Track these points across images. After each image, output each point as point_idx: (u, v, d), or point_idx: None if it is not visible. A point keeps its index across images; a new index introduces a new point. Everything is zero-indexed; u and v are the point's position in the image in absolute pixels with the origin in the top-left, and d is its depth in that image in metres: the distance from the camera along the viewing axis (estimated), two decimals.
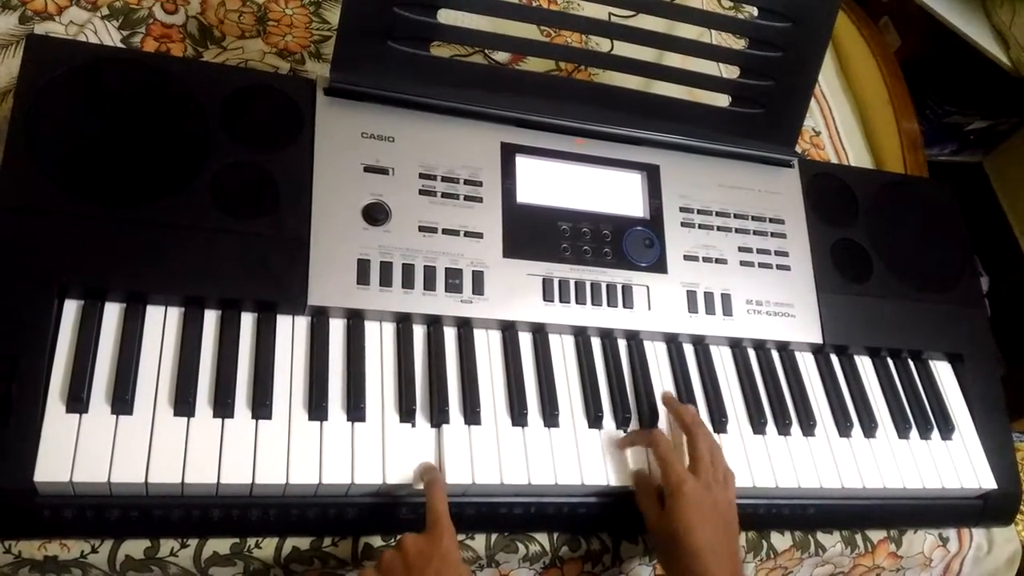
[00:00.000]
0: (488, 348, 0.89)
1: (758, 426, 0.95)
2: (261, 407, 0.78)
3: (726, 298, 0.98)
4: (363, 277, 0.85)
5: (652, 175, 1.00)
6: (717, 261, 0.99)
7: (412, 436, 0.82)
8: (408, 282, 0.86)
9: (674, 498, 0.81)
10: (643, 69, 0.99)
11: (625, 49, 0.98)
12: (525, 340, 0.91)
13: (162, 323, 0.79)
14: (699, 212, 1.01)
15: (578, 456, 0.86)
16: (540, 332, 0.92)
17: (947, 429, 1.03)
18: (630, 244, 0.96)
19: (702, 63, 1.02)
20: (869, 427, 0.99)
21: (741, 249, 1.01)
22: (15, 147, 0.78)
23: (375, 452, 0.79)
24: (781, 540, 0.98)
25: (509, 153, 0.94)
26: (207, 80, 0.86)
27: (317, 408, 0.79)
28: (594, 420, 0.88)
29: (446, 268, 0.88)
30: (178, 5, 1.05)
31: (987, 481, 1.01)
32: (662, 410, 0.92)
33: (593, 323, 0.92)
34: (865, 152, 1.40)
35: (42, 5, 0.99)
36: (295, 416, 0.79)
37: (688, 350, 0.97)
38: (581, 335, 0.93)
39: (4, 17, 0.97)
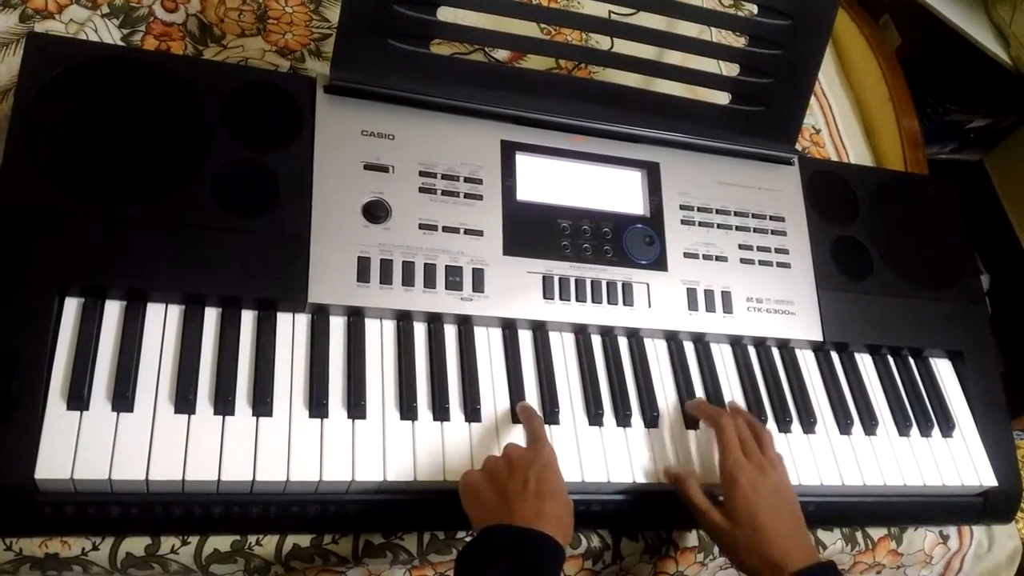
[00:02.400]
0: (488, 346, 0.89)
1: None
2: (262, 404, 0.78)
3: (726, 296, 0.98)
4: (363, 275, 0.85)
5: (652, 173, 1.00)
6: (717, 259, 0.99)
7: (412, 433, 0.82)
8: (408, 280, 0.86)
9: (733, 485, 0.82)
10: (643, 67, 0.99)
11: (625, 47, 0.98)
12: (525, 338, 0.91)
13: (162, 321, 0.80)
14: (699, 210, 1.01)
15: (578, 453, 0.86)
16: (540, 330, 0.92)
17: (947, 427, 1.03)
18: (630, 242, 0.96)
19: (702, 61, 1.02)
20: (869, 424, 0.99)
21: (741, 247, 1.01)
22: (15, 145, 0.78)
23: (376, 449, 0.80)
24: None
25: (509, 151, 0.94)
26: (207, 78, 0.86)
27: (318, 405, 0.79)
28: (594, 417, 0.88)
29: (446, 266, 0.88)
30: (178, 3, 1.05)
31: (987, 478, 1.01)
32: (662, 408, 0.91)
33: (593, 321, 0.92)
34: (865, 150, 1.40)
35: (42, 3, 0.99)
36: (296, 413, 0.79)
37: (688, 348, 0.97)
38: (581, 333, 0.93)
39: (4, 15, 0.97)
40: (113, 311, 0.78)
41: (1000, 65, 1.47)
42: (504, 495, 0.74)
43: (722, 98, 1.04)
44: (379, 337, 0.86)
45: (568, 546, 0.74)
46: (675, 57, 1.03)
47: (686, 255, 0.98)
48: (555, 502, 0.75)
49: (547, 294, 0.91)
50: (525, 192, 0.94)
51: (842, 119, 1.40)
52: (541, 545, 0.71)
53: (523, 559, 0.70)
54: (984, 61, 1.50)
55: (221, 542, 0.79)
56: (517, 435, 0.84)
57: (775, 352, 1.01)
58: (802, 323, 1.01)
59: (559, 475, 0.78)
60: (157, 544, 0.77)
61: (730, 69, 1.07)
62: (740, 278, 0.99)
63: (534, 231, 0.93)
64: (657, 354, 0.96)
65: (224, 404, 0.77)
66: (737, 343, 0.99)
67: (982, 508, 1.03)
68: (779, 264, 1.02)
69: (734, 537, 0.81)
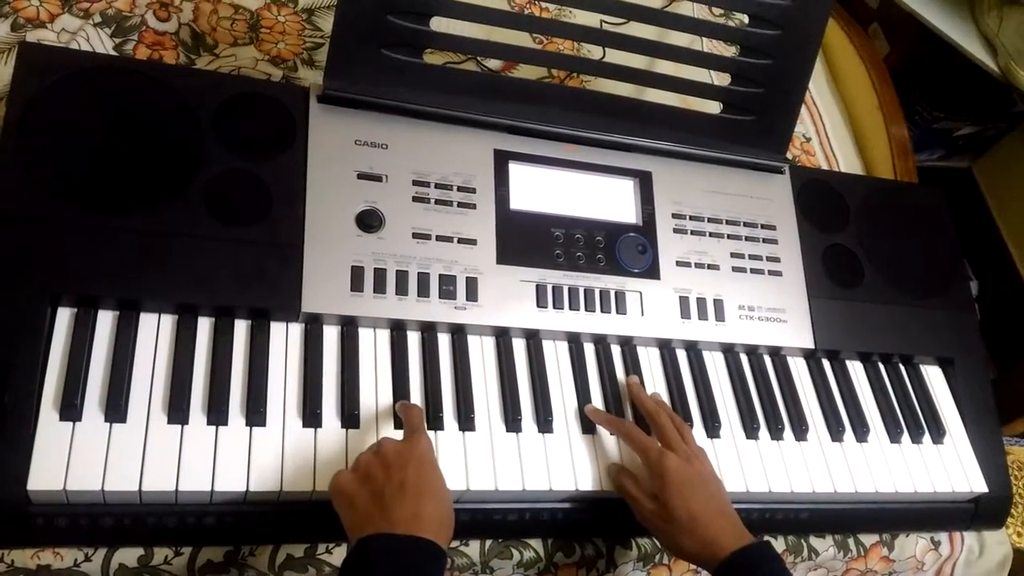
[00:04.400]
0: (482, 354, 0.89)
1: (751, 431, 0.95)
2: (255, 414, 0.78)
3: (718, 304, 0.98)
4: (357, 284, 0.85)
5: (644, 182, 1.00)
6: (709, 267, 1.00)
7: None
8: (402, 289, 0.86)
9: (661, 478, 0.82)
10: (635, 76, 1.00)
11: (617, 56, 0.99)
12: (519, 346, 0.91)
13: (155, 330, 0.79)
14: (691, 218, 1.01)
15: (572, 462, 0.86)
16: (534, 338, 0.92)
17: (938, 433, 1.04)
18: (623, 250, 0.96)
19: (693, 70, 1.03)
20: (861, 431, 1.00)
21: (733, 255, 1.01)
22: (7, 155, 0.78)
23: None
24: (774, 544, 0.98)
25: (502, 160, 0.95)
26: (200, 88, 0.86)
27: (311, 415, 0.79)
28: (588, 426, 0.89)
29: (440, 275, 0.88)
30: (170, 12, 1.05)
31: (978, 485, 1.02)
32: None
33: (586, 329, 0.93)
34: (855, 158, 1.41)
35: (34, 12, 0.98)
36: (289, 423, 0.79)
37: (681, 355, 0.98)
38: (574, 341, 0.94)
39: None
40: (106, 321, 0.78)
41: (988, 73, 1.48)
42: (380, 499, 0.70)
43: (713, 107, 1.04)
44: (372, 346, 0.86)
45: (448, 546, 0.70)
46: (666, 67, 1.03)
47: (678, 263, 0.99)
48: (434, 502, 0.71)
49: (540, 302, 0.91)
50: (518, 201, 0.94)
51: (832, 127, 1.41)
52: (421, 552, 0.68)
53: (404, 569, 0.67)
54: (972, 69, 1.51)
55: (214, 553, 0.79)
56: (511, 443, 0.85)
57: (767, 360, 1.01)
58: (794, 331, 1.01)
59: (437, 470, 0.75)
60: (150, 555, 0.77)
61: (721, 79, 1.07)
62: (732, 286, 1.00)
63: (527, 240, 0.93)
64: (650, 362, 0.96)
65: (217, 414, 0.77)
66: (729, 351, 1.00)
67: (973, 514, 1.03)
68: (771, 272, 1.02)
69: (670, 524, 0.81)
